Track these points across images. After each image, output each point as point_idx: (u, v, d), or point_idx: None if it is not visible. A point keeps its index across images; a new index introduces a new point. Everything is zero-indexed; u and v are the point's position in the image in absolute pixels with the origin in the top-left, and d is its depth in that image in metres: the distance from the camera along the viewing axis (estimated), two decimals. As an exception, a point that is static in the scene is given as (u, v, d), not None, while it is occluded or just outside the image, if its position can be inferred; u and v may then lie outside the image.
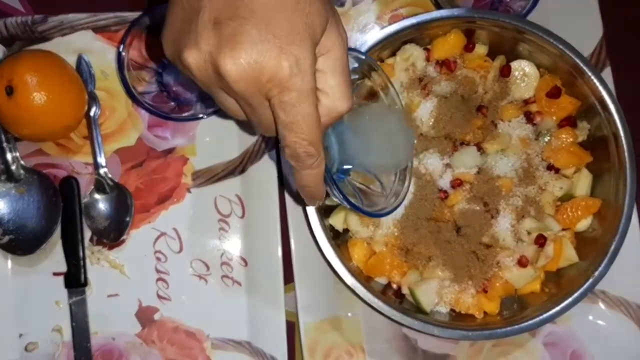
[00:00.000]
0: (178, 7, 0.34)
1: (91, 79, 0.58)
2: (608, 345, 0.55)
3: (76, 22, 0.58)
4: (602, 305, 0.56)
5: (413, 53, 0.54)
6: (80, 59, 0.57)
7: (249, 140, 0.58)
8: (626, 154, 0.50)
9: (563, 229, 0.53)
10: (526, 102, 0.54)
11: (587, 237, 0.53)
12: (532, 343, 0.55)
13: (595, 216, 0.53)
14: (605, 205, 0.52)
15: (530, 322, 0.49)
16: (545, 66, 0.54)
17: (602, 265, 0.49)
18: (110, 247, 0.56)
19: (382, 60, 0.55)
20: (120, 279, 0.56)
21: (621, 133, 0.50)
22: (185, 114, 0.56)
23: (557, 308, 0.49)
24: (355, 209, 0.41)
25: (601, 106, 0.51)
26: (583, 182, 0.53)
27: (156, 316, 0.56)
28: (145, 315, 0.56)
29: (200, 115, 0.56)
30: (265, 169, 0.57)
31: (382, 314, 0.50)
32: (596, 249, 0.50)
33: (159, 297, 0.56)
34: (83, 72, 0.57)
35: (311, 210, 0.51)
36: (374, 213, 0.42)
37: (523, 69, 0.53)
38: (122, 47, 0.54)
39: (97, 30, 0.58)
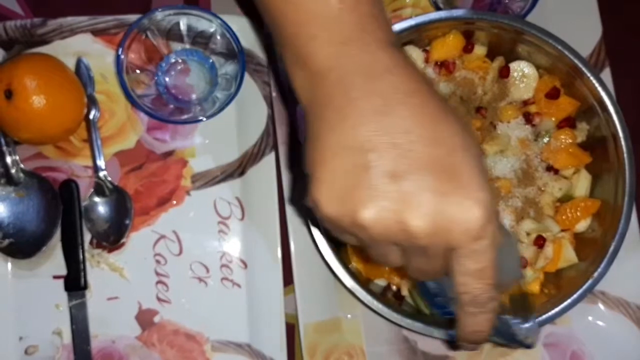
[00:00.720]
0: (336, 162, 0.31)
1: (90, 82, 0.58)
2: (608, 346, 0.55)
3: (75, 25, 0.58)
4: (601, 306, 0.56)
5: (412, 55, 0.54)
6: (79, 62, 0.58)
7: (248, 142, 0.58)
8: (625, 154, 0.50)
9: (562, 230, 0.53)
10: (525, 103, 0.54)
11: (587, 238, 0.53)
12: (532, 344, 0.55)
13: (594, 217, 0.53)
14: (605, 206, 0.52)
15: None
16: (544, 67, 0.53)
17: (602, 266, 0.49)
18: (110, 250, 0.56)
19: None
20: (120, 282, 0.56)
21: (620, 134, 0.50)
22: (185, 117, 0.56)
23: (557, 309, 0.49)
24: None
25: (600, 107, 0.51)
26: (582, 183, 0.53)
27: (156, 319, 0.56)
28: (145, 318, 0.56)
29: (200, 118, 0.56)
30: (264, 172, 0.57)
31: (381, 316, 0.50)
32: (595, 249, 0.50)
33: (159, 299, 0.56)
34: (82, 75, 0.57)
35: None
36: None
37: (522, 70, 0.53)
38: (120, 50, 0.54)
39: (97, 33, 0.58)
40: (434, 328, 0.49)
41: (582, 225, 0.53)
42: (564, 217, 0.52)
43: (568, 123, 0.53)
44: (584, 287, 0.49)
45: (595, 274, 0.49)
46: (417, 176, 0.30)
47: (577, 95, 0.53)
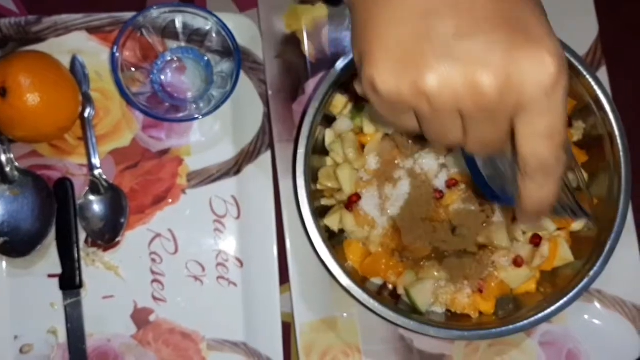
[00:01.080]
0: (394, 32, 0.29)
1: (85, 80, 0.57)
2: (604, 344, 0.55)
3: (70, 22, 0.58)
4: (597, 305, 0.56)
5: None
6: (74, 60, 0.57)
7: (244, 140, 0.57)
8: (621, 153, 0.50)
9: (558, 229, 0.53)
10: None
11: (583, 237, 0.53)
12: (527, 343, 0.55)
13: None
14: (601, 204, 0.52)
15: (525, 322, 0.49)
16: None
17: (598, 264, 0.49)
18: (105, 249, 0.56)
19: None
20: (115, 280, 0.56)
21: (616, 132, 0.50)
22: (180, 115, 0.56)
23: (553, 308, 0.49)
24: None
25: (596, 106, 0.51)
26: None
27: (152, 318, 0.55)
28: (140, 317, 0.55)
29: (195, 116, 0.55)
30: (260, 170, 0.57)
31: (377, 315, 0.50)
32: (591, 248, 0.50)
33: (155, 298, 0.56)
34: (77, 73, 0.57)
35: (306, 211, 0.51)
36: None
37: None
38: (115, 47, 0.54)
39: (91, 30, 0.58)
40: (429, 327, 0.49)
41: (578, 224, 0.53)
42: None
43: (564, 122, 0.53)
44: (580, 285, 0.49)
45: (591, 273, 0.49)
46: (484, 32, 0.28)
47: (573, 94, 0.53)
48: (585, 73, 0.51)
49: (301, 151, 0.51)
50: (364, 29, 0.31)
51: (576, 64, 0.51)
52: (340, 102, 0.53)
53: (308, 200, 0.51)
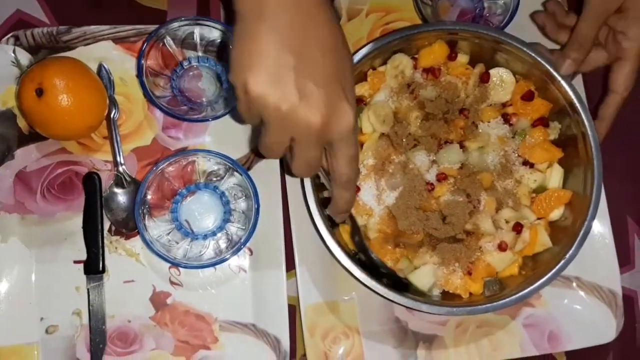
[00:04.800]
0: (270, 55, 0.39)
1: (111, 85, 0.63)
2: (583, 326, 0.60)
3: (98, 33, 0.64)
4: (577, 290, 0.61)
5: (402, 61, 0.60)
6: (100, 67, 0.63)
7: (255, 140, 0.63)
8: (593, 150, 0.56)
9: (538, 218, 0.58)
10: (504, 105, 0.60)
11: (560, 226, 0.58)
12: (512, 324, 0.60)
13: (567, 206, 0.58)
14: (576, 196, 0.58)
15: (507, 299, 0.54)
16: (521, 73, 0.59)
17: (572, 248, 0.54)
18: (127, 237, 0.61)
19: (374, 68, 0.61)
20: (135, 266, 0.61)
21: (589, 132, 0.56)
22: (197, 116, 0.62)
23: (532, 287, 0.54)
24: None
25: (571, 109, 0.57)
26: (555, 176, 0.58)
27: (169, 300, 0.60)
28: (158, 300, 0.60)
29: (210, 117, 0.61)
30: (269, 167, 0.62)
31: (376, 293, 0.54)
32: (567, 235, 0.56)
33: (172, 283, 0.61)
34: (103, 78, 0.63)
35: (312, 201, 0.56)
36: None
37: (501, 75, 0.59)
38: (141, 56, 0.60)
39: (117, 40, 0.64)
40: (422, 303, 0.54)
41: (555, 214, 0.58)
42: (539, 207, 0.58)
43: (542, 122, 0.59)
44: (556, 268, 0.54)
45: (567, 256, 0.54)
46: (326, 86, 0.39)
47: (550, 98, 0.59)
48: (560, 79, 0.57)
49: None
50: (248, 41, 0.40)
51: (552, 71, 0.57)
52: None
53: (313, 192, 0.56)
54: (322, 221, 0.56)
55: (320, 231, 0.55)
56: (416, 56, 0.61)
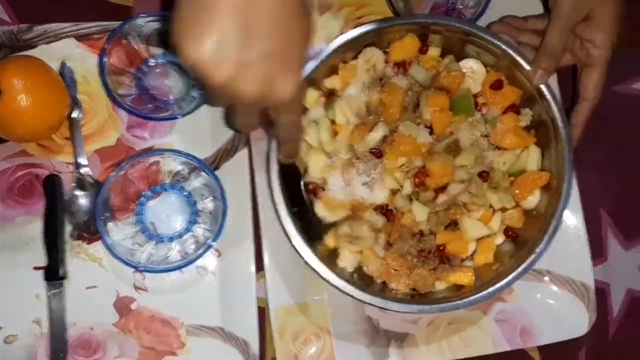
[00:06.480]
0: (222, 23, 0.38)
1: (73, 84, 0.61)
2: (555, 320, 0.59)
3: (60, 30, 0.62)
4: (549, 284, 0.59)
5: (374, 55, 0.59)
6: (63, 65, 0.61)
7: (222, 139, 0.61)
8: (563, 136, 0.55)
9: (517, 205, 0.57)
10: (475, 95, 0.59)
11: (534, 215, 0.57)
12: (485, 320, 0.59)
13: (542, 194, 0.57)
14: (550, 185, 0.56)
15: (478, 295, 0.53)
16: (490, 64, 0.58)
17: (544, 241, 0.53)
18: (90, 242, 0.59)
19: (345, 62, 0.59)
20: (98, 271, 0.58)
21: (557, 117, 0.55)
22: (163, 114, 0.60)
23: (503, 282, 0.53)
24: None
25: (539, 95, 0.56)
26: (533, 157, 0.57)
27: (133, 306, 0.58)
28: (122, 305, 0.58)
29: (177, 115, 0.59)
30: (237, 166, 0.60)
31: (345, 294, 0.53)
32: (539, 227, 0.54)
33: (136, 287, 0.58)
34: (66, 77, 0.61)
35: (280, 202, 0.54)
36: None
37: (471, 67, 0.58)
38: (103, 54, 0.58)
39: (80, 38, 0.62)
40: (392, 302, 0.52)
41: (532, 201, 0.57)
42: (517, 191, 0.56)
43: (513, 109, 0.58)
44: (528, 261, 0.53)
45: (538, 249, 0.53)
46: (264, 59, 0.39)
47: (519, 85, 0.58)
48: (527, 67, 0.56)
49: (275, 143, 0.55)
50: (194, 5, 0.38)
51: (519, 59, 0.56)
52: (312, 97, 0.58)
53: (281, 191, 0.54)
54: (290, 221, 0.54)
55: (290, 235, 0.54)
56: (387, 50, 0.59)
